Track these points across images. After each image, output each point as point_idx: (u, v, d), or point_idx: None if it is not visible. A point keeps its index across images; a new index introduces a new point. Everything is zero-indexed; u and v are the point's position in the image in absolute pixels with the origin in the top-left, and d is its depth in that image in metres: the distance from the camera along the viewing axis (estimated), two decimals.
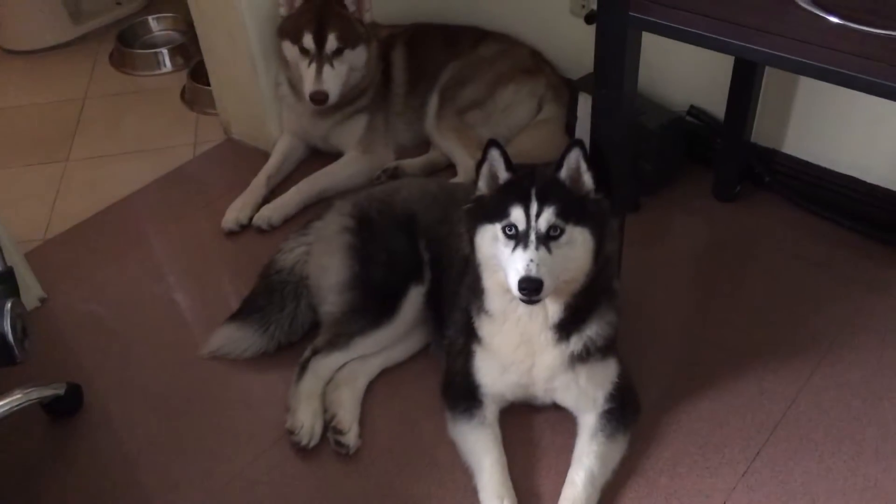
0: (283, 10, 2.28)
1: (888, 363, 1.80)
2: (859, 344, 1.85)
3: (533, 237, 1.40)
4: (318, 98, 2.23)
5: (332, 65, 2.23)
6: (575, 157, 1.45)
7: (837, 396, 1.74)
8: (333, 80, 2.24)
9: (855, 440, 1.65)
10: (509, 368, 1.60)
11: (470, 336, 1.63)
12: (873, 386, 1.75)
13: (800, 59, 1.25)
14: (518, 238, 1.42)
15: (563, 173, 1.46)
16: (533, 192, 1.42)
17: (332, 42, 2.22)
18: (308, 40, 2.21)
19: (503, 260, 1.44)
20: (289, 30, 2.26)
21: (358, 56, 2.30)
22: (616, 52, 1.45)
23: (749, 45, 1.30)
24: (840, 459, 1.62)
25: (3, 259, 1.40)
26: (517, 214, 1.42)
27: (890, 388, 1.75)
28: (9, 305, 1.28)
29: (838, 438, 1.66)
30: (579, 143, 1.45)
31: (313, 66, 2.22)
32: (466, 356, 1.65)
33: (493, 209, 1.46)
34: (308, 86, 2.23)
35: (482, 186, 1.52)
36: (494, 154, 1.48)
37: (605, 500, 1.56)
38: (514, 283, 1.40)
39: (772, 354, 1.84)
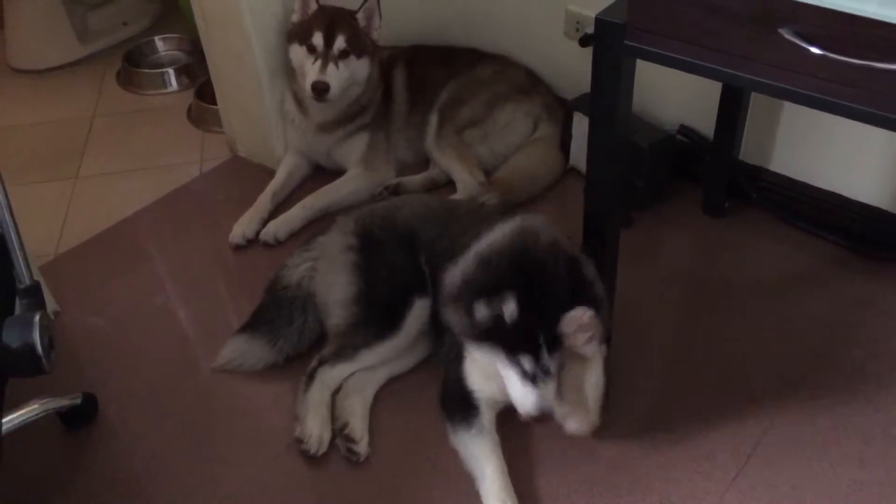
0: (295, 17, 2.35)
1: (871, 373, 1.88)
2: (844, 354, 1.93)
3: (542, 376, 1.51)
4: (320, 87, 2.26)
5: (336, 64, 2.29)
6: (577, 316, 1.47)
7: (823, 404, 1.81)
8: (336, 77, 2.28)
9: (840, 445, 1.73)
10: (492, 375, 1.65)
11: (462, 343, 1.68)
12: (857, 394, 1.83)
13: (784, 86, 1.33)
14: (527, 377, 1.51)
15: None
16: (542, 340, 1.49)
17: (340, 42, 2.28)
18: (318, 38, 2.27)
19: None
20: (298, 32, 2.33)
21: (360, 68, 2.36)
22: (611, 78, 1.53)
23: (737, 73, 1.37)
24: (826, 464, 1.69)
25: (31, 273, 1.46)
26: (526, 361, 1.50)
27: (873, 397, 1.82)
28: (37, 318, 1.33)
29: (824, 444, 1.73)
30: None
31: (319, 62, 2.28)
32: (458, 362, 1.71)
33: (508, 340, 1.49)
34: (311, 77, 2.27)
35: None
36: (511, 306, 1.46)
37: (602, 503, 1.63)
38: None
39: (760, 365, 1.91)
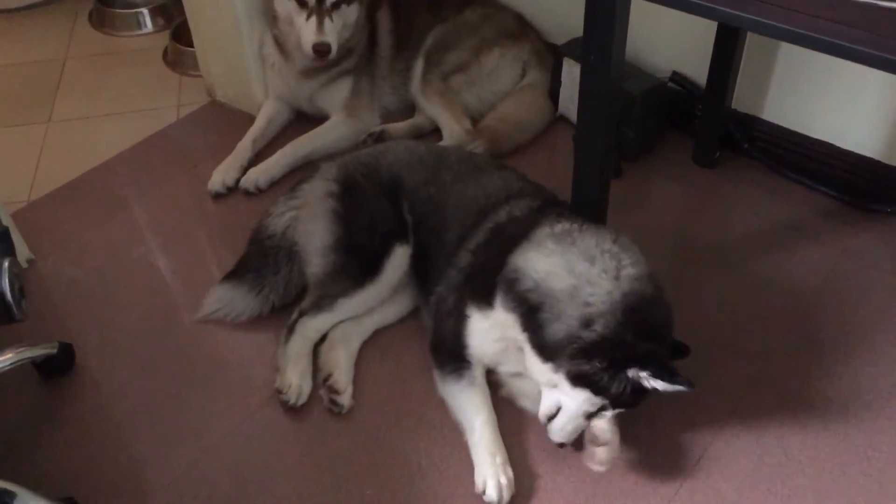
0: None
1: (861, 322, 1.87)
2: (833, 305, 1.92)
3: None
4: (322, 49, 2.20)
5: (331, 18, 2.21)
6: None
7: (812, 356, 1.81)
8: (334, 32, 2.22)
9: (828, 396, 1.73)
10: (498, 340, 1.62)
11: (463, 299, 1.64)
12: (850, 341, 1.83)
13: (784, 27, 1.28)
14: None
15: None
16: None
17: None
18: None
19: None
20: None
21: (351, 13, 2.28)
22: (605, 19, 1.47)
23: (736, 13, 1.32)
24: (814, 414, 1.69)
25: None
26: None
27: (861, 346, 1.82)
28: (6, 265, 1.29)
29: (811, 393, 1.73)
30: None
31: (313, 18, 2.20)
32: (458, 318, 1.66)
33: (623, 396, 1.45)
34: (310, 38, 2.20)
35: None
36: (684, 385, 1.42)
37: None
38: None
39: (748, 313, 1.91)
